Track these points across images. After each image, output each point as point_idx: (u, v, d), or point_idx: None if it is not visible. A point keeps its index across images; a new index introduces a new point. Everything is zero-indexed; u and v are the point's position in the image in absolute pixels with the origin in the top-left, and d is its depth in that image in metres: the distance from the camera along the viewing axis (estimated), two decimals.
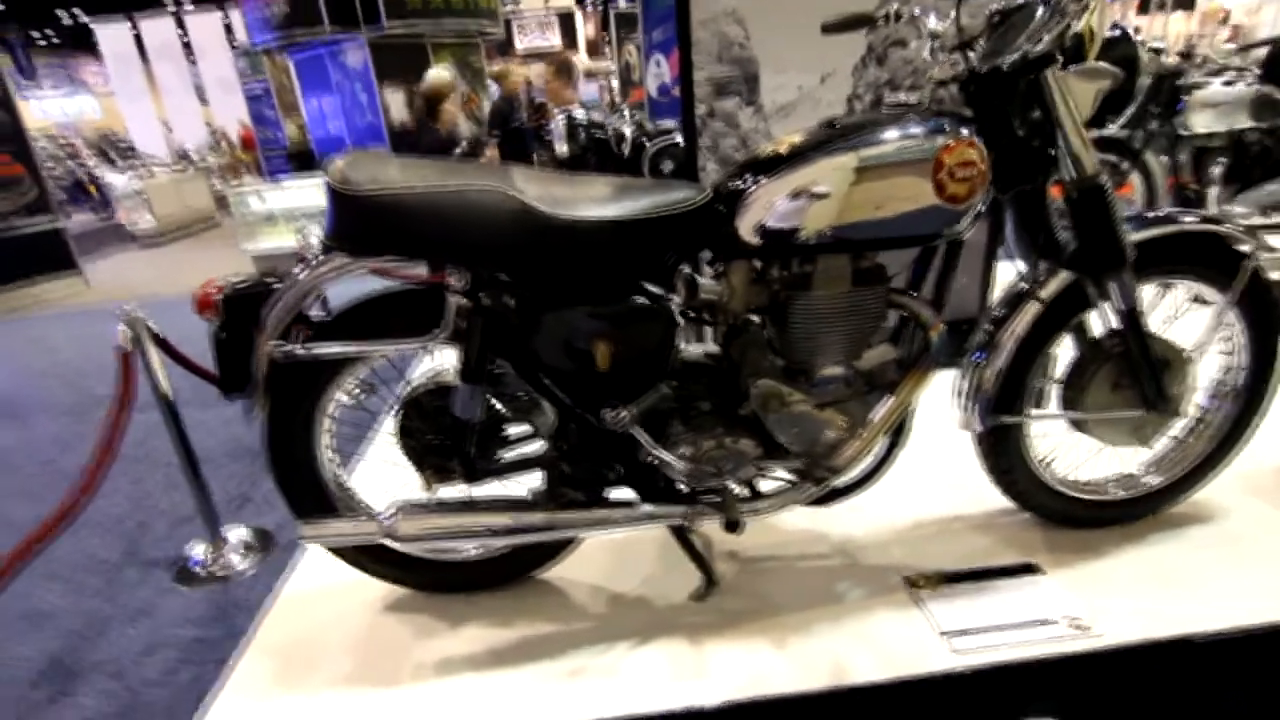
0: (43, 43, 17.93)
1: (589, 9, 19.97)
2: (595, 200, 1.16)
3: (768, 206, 1.16)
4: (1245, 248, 1.38)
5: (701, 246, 1.25)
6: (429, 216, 1.10)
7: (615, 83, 13.94)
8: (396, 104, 8.47)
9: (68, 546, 2.33)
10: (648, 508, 1.32)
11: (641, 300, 1.21)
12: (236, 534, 2.62)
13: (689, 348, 1.35)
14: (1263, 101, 2.90)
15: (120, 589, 2.20)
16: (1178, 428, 1.54)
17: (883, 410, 1.32)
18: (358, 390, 1.42)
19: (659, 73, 7.31)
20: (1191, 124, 3.02)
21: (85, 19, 14.97)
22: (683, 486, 1.36)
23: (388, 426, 1.41)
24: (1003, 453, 1.49)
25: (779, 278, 1.26)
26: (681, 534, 1.47)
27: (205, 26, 13.19)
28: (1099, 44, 1.16)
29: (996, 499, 1.63)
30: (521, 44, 19.18)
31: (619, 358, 1.21)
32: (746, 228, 1.18)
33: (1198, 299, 1.49)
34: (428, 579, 1.52)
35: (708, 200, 1.21)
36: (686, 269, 1.24)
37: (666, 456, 1.28)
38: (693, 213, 1.18)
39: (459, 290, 1.21)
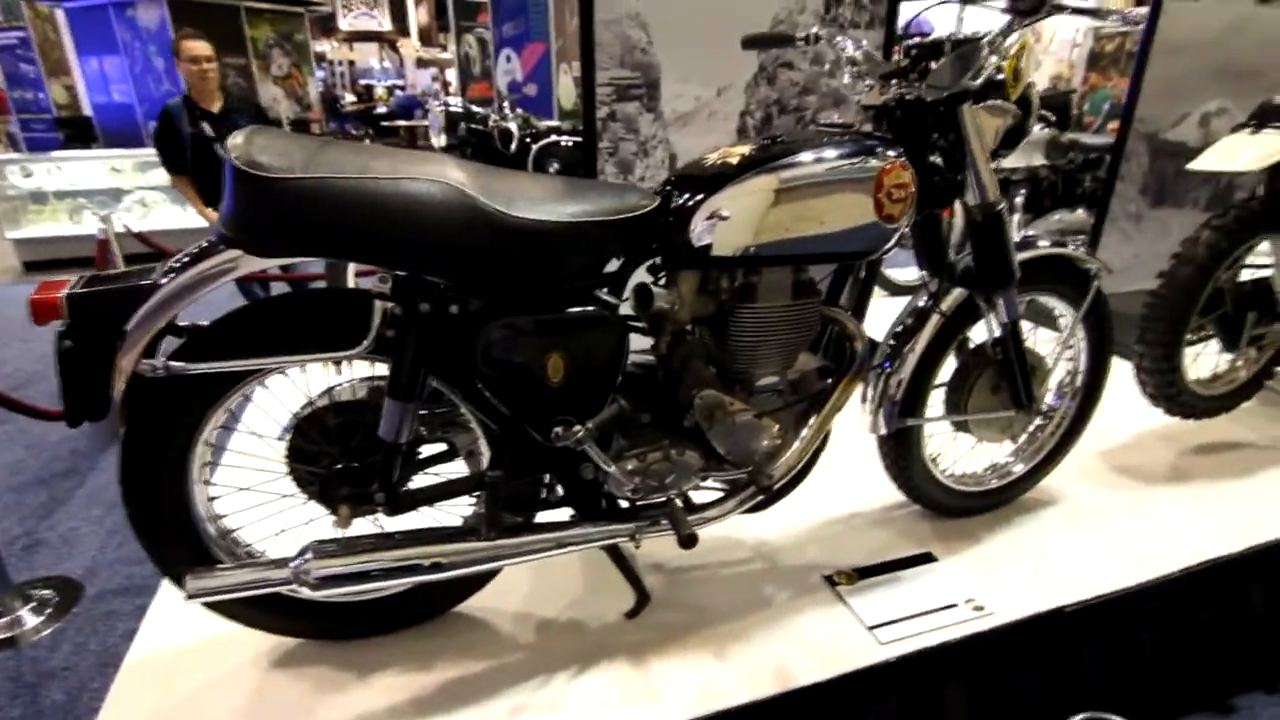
0: None
1: None
2: (547, 200, 1.07)
3: (722, 216, 1.15)
4: (1091, 268, 1.61)
5: (652, 254, 1.21)
6: (363, 210, 0.95)
7: (453, 74, 13.40)
8: None
9: None
10: (598, 526, 1.25)
11: (598, 309, 1.14)
12: (29, 586, 2.15)
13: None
14: (1053, 144, 3.44)
15: None
16: (1035, 424, 1.77)
17: (817, 416, 1.37)
18: (237, 411, 1.21)
19: (509, 68, 7.11)
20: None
21: None
22: (624, 502, 1.32)
23: (269, 452, 1.21)
24: (903, 453, 1.61)
25: (726, 288, 1.26)
26: (614, 550, 1.42)
27: None
28: (1023, 85, 1.29)
29: (887, 495, 1.76)
30: (345, 22, 17.78)
31: (574, 370, 1.13)
32: (700, 237, 1.16)
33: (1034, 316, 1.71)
34: (330, 625, 1.32)
35: (658, 207, 1.17)
36: (639, 277, 1.19)
37: (615, 472, 1.22)
38: (647, 218, 1.14)
39: (388, 295, 1.07)
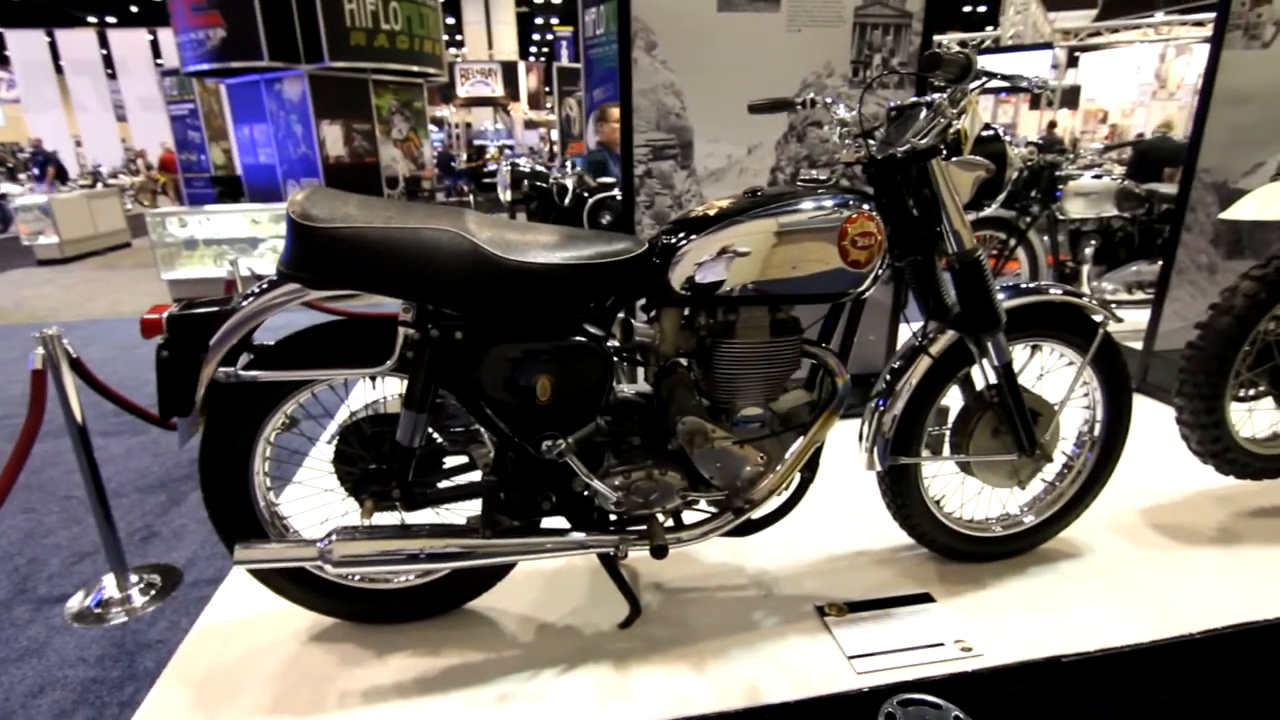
0: None
1: (532, 61, 20.58)
2: (542, 246, 1.26)
3: (696, 261, 1.30)
4: (1098, 317, 1.62)
5: (638, 294, 1.37)
6: (385, 253, 1.18)
7: (555, 134, 14.38)
8: (333, 138, 8.42)
9: None
10: (580, 535, 1.39)
11: (581, 340, 1.31)
12: (141, 570, 2.50)
13: (623, 387, 1.46)
14: (1125, 194, 3.34)
15: (6, 627, 2.06)
16: (1049, 472, 1.75)
17: (795, 448, 1.46)
18: (296, 417, 1.45)
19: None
20: (1067, 209, 3.44)
21: None
22: (613, 516, 1.45)
23: (324, 453, 1.43)
24: (902, 492, 1.65)
25: (705, 325, 1.39)
26: (610, 564, 1.54)
27: (130, 43, 12.77)
28: (972, 141, 1.38)
29: (897, 536, 1.79)
30: (463, 90, 19.47)
31: (558, 392, 1.30)
32: (677, 279, 1.31)
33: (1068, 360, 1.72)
34: (359, 608, 1.52)
35: (644, 252, 1.33)
36: (623, 314, 1.35)
37: (599, 486, 1.36)
38: (630, 263, 1.31)
39: (409, 323, 1.28)
